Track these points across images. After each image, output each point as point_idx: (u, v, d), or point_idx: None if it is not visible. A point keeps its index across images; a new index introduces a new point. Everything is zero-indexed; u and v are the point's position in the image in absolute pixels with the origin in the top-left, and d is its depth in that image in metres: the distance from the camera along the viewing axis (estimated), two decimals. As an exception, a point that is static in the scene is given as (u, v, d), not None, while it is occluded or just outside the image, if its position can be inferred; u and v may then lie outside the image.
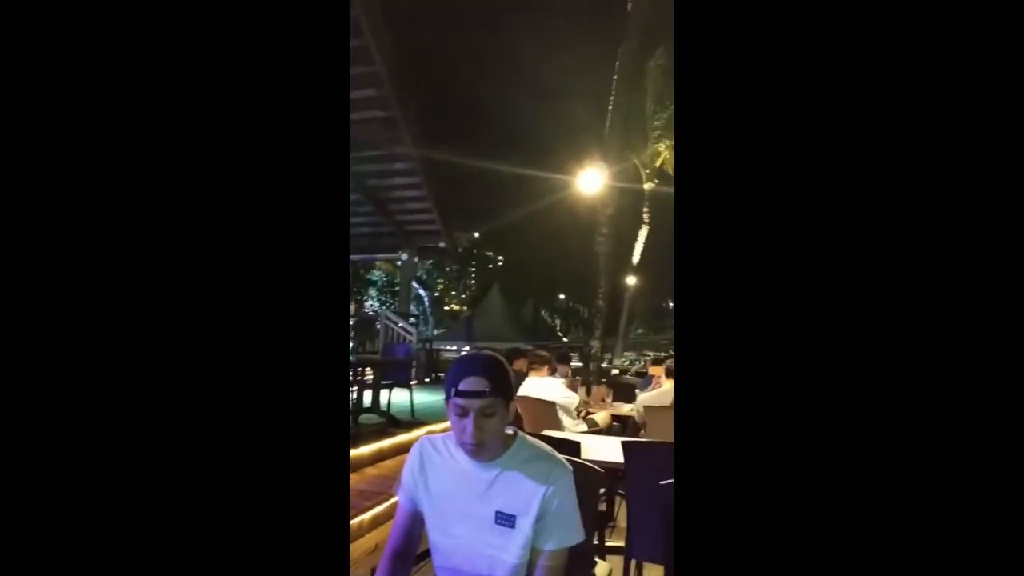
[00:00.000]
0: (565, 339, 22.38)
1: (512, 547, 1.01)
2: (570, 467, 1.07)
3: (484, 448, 1.00)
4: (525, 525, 1.00)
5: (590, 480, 1.40)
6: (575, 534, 1.03)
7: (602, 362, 9.32)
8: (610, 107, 8.87)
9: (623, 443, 1.85)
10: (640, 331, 24.78)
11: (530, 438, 1.10)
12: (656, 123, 11.43)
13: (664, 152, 11.64)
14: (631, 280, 13.18)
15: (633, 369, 9.57)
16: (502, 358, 1.05)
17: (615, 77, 8.81)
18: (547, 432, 2.66)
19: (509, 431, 1.07)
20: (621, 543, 1.95)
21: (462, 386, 0.98)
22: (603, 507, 2.32)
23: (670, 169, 11.80)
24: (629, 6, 9.04)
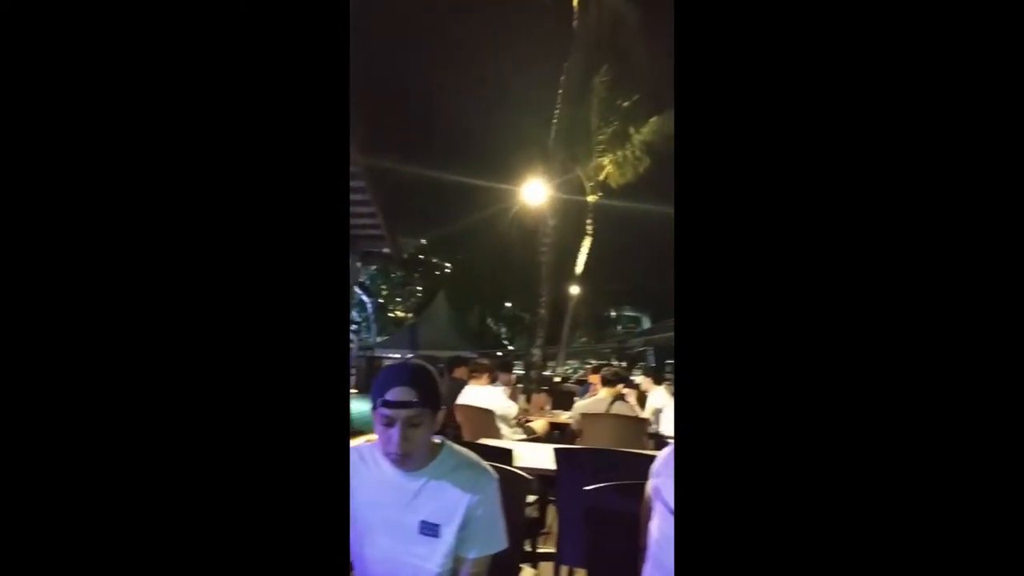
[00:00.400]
0: (511, 347, 22.48)
1: (435, 556, 1.02)
2: (496, 475, 1.09)
3: (410, 458, 1.01)
4: (449, 534, 1.02)
5: (518, 487, 1.43)
6: (498, 542, 1.06)
7: (543, 370, 9.44)
8: (554, 120, 9.06)
9: (555, 450, 1.89)
10: (583, 340, 25.25)
11: (457, 447, 1.12)
12: (600, 138, 11.76)
13: (608, 166, 11.98)
14: (574, 289, 13.45)
15: (574, 377, 9.75)
16: (430, 367, 1.06)
17: (560, 91, 9.03)
18: (483, 440, 2.68)
19: (436, 440, 1.08)
20: (554, 549, 1.99)
21: (388, 396, 0.98)
22: (535, 514, 2.36)
23: (613, 183, 12.16)
24: (575, 24, 9.31)
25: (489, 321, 23.50)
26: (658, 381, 4.78)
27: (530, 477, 1.47)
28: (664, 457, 1.12)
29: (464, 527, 1.02)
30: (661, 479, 1.09)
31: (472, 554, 1.03)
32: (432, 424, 1.03)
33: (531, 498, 2.25)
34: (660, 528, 1.05)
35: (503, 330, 24.88)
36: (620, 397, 3.22)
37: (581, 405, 3.39)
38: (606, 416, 3.10)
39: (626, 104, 11.56)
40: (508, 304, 23.66)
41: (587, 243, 12.46)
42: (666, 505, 1.05)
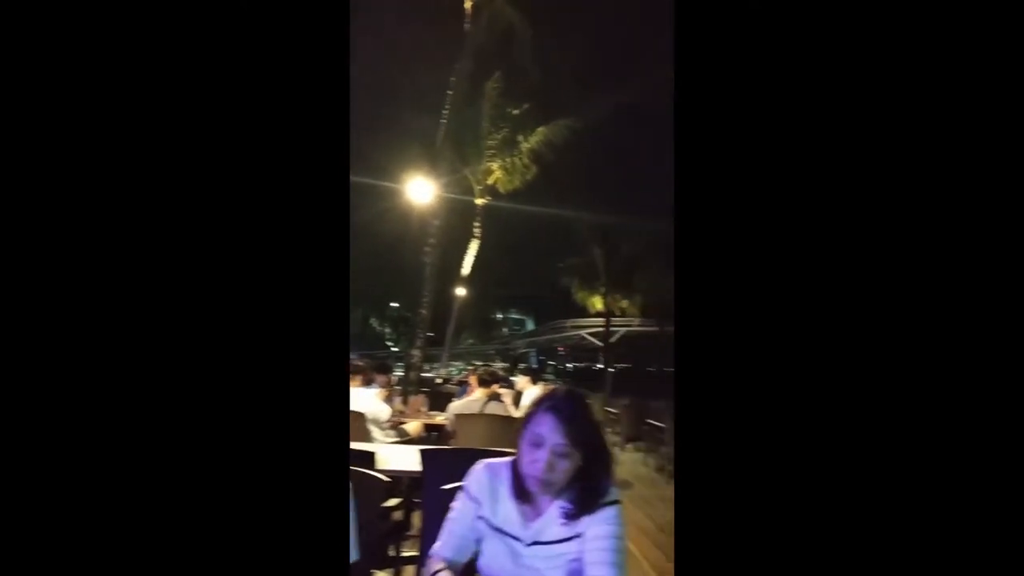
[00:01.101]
0: (395, 348, 21.93)
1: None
2: (348, 484, 1.04)
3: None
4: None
5: (375, 491, 1.39)
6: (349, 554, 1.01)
7: (422, 371, 9.32)
8: (443, 120, 9.02)
9: (420, 451, 1.87)
10: (470, 341, 25.40)
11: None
12: (490, 143, 11.91)
13: (496, 171, 12.17)
14: (460, 291, 13.47)
15: (456, 378, 9.77)
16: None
17: (449, 92, 9.00)
18: (352, 445, 2.57)
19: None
20: (418, 552, 1.96)
21: None
22: (401, 517, 2.32)
23: (501, 188, 12.38)
24: (466, 27, 9.35)
25: (372, 321, 22.73)
26: (535, 381, 4.94)
27: (388, 479, 1.43)
28: (476, 474, 1.09)
29: None
30: (484, 503, 1.07)
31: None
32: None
33: (396, 501, 2.20)
34: (490, 551, 1.04)
35: (387, 330, 24.21)
36: (495, 397, 3.27)
37: (456, 406, 3.40)
38: (479, 416, 3.14)
39: (516, 112, 11.84)
40: (394, 304, 23.06)
41: (474, 245, 12.55)
42: (490, 525, 1.04)
